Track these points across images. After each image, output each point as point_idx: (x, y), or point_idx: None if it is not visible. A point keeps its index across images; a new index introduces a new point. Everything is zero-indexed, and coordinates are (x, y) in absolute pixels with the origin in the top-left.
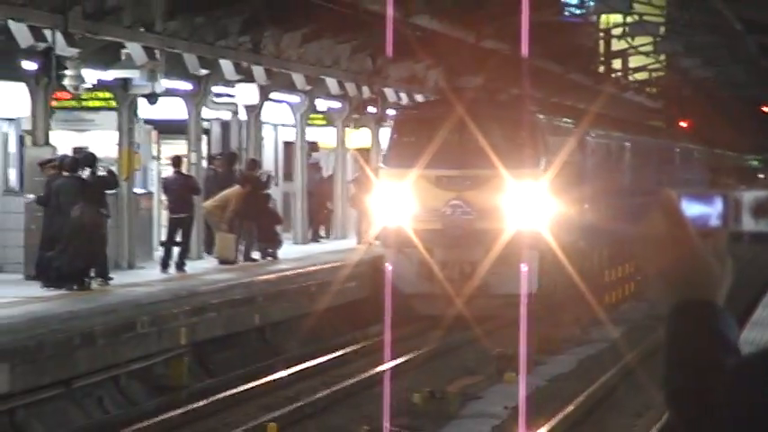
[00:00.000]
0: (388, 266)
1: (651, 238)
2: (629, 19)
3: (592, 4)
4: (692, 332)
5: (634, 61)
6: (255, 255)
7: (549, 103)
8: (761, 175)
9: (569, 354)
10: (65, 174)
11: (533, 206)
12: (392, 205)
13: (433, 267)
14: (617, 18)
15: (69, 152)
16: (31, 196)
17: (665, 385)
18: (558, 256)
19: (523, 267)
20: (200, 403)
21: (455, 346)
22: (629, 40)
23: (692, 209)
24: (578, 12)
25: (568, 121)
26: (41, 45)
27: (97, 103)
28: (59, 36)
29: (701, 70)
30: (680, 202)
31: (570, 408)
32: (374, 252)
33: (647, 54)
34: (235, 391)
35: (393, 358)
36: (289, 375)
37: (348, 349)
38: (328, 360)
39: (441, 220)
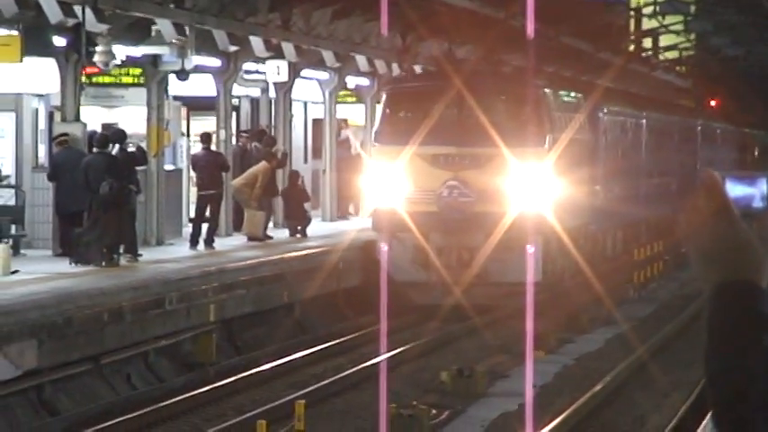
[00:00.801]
0: (382, 252)
1: (694, 219)
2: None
3: None
4: (733, 313)
5: (664, 40)
6: (283, 232)
7: (559, 77)
8: None
9: (597, 333)
10: (94, 150)
11: (537, 188)
12: (385, 186)
13: (428, 253)
14: None
15: (98, 128)
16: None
17: (706, 365)
18: (564, 241)
19: (528, 253)
20: (228, 380)
21: (487, 324)
22: (659, 18)
23: (735, 190)
24: None
25: (578, 96)
26: (71, 21)
27: (127, 80)
28: (89, 12)
29: (731, 49)
30: (723, 183)
31: (599, 387)
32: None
33: (677, 33)
34: (263, 368)
35: (392, 348)
36: (316, 353)
37: (373, 328)
38: (354, 338)
39: (437, 203)
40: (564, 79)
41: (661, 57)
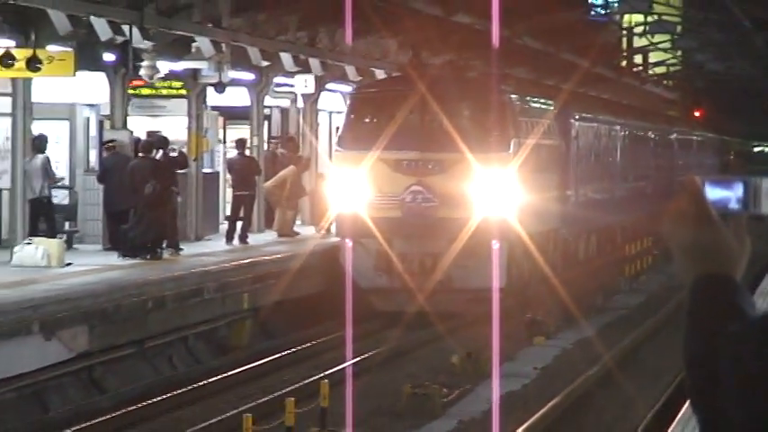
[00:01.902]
0: (346, 257)
1: (677, 218)
2: (649, 18)
3: (616, 4)
4: (709, 303)
5: (653, 57)
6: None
7: (528, 83)
8: None
9: (592, 321)
10: (140, 155)
11: (501, 193)
12: (347, 191)
13: (391, 259)
14: (638, 18)
15: (143, 135)
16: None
17: (683, 352)
18: (529, 247)
19: (492, 259)
20: (258, 363)
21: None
22: (648, 37)
23: (714, 193)
24: (603, 12)
25: (547, 102)
26: (119, 38)
27: (169, 92)
28: (136, 30)
29: (713, 64)
30: (704, 187)
31: (594, 369)
32: (329, 242)
33: (665, 50)
34: (291, 351)
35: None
36: (340, 337)
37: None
38: (376, 324)
39: (400, 208)
40: (534, 85)
41: (650, 71)
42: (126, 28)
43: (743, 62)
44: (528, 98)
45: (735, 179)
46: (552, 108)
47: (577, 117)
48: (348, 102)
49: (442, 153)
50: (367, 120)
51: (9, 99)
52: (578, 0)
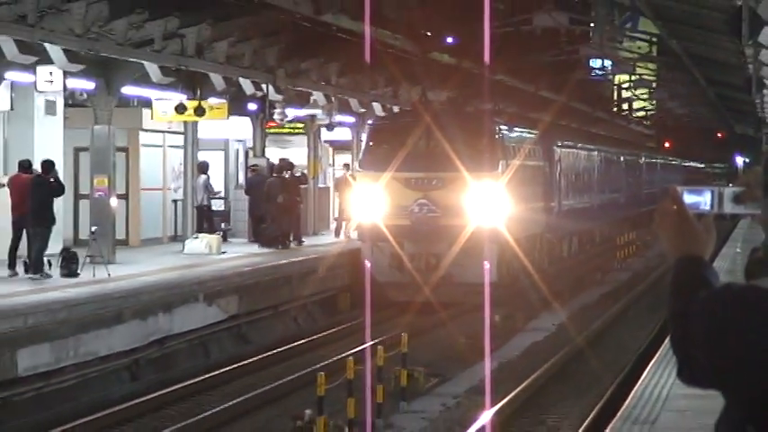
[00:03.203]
0: (366, 258)
1: (663, 216)
2: (633, 77)
3: (609, 67)
4: (686, 277)
5: (636, 104)
6: None
7: (517, 117)
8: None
9: (592, 291)
10: (274, 175)
11: (492, 205)
12: (367, 204)
13: (403, 259)
14: (625, 77)
15: (276, 161)
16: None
17: (668, 311)
18: (515, 249)
19: (484, 258)
20: (356, 322)
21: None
22: (633, 90)
23: (689, 197)
24: (600, 73)
25: (532, 131)
26: (259, 93)
27: (294, 130)
28: (271, 87)
29: (680, 110)
30: (682, 194)
31: (598, 323)
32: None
33: (644, 99)
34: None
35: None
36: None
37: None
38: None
39: (409, 217)
40: (522, 118)
41: (634, 114)
42: (264, 86)
43: (700, 108)
44: (515, 128)
45: (705, 188)
46: (537, 137)
47: (559, 144)
48: (367, 132)
49: (444, 172)
50: (382, 146)
51: (182, 136)
52: (582, 63)
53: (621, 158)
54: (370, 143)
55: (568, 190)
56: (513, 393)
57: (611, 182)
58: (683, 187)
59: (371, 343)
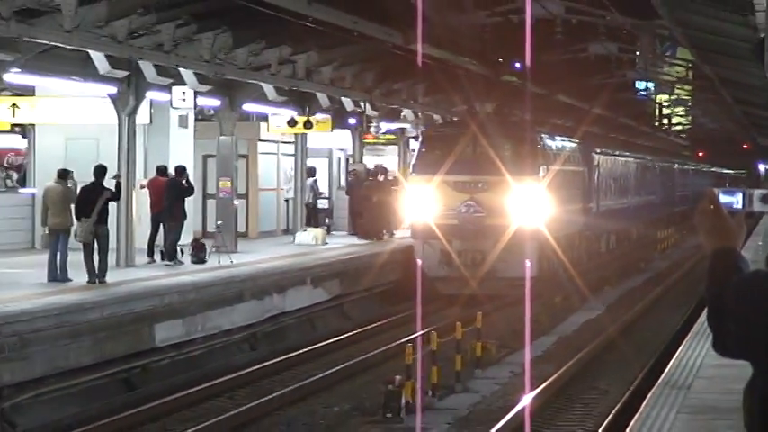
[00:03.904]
0: (417, 254)
1: (702, 213)
2: (672, 97)
3: (652, 88)
4: (721, 265)
5: (675, 120)
6: None
7: (559, 127)
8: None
9: (635, 278)
10: (370, 178)
11: (533, 206)
12: (419, 205)
13: (451, 255)
14: (665, 97)
15: (372, 167)
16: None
17: (706, 293)
18: (554, 246)
19: (526, 255)
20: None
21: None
22: (672, 108)
23: (723, 197)
24: (644, 93)
25: (573, 140)
26: (358, 110)
27: (387, 141)
28: (367, 105)
29: (711, 125)
30: (718, 194)
31: (641, 303)
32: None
33: (681, 116)
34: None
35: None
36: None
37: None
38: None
39: (457, 217)
40: (564, 128)
41: (673, 129)
42: (362, 103)
43: (728, 123)
44: (555, 137)
45: (737, 190)
46: (577, 145)
47: (598, 151)
48: (420, 139)
49: (489, 176)
50: (433, 152)
51: (293, 145)
52: (629, 85)
53: (656, 165)
54: (423, 149)
55: (606, 192)
56: (569, 363)
57: (647, 185)
58: (719, 189)
59: (427, 330)
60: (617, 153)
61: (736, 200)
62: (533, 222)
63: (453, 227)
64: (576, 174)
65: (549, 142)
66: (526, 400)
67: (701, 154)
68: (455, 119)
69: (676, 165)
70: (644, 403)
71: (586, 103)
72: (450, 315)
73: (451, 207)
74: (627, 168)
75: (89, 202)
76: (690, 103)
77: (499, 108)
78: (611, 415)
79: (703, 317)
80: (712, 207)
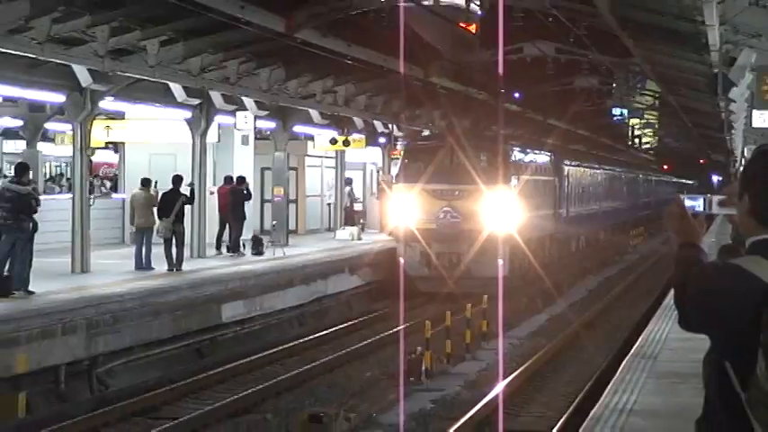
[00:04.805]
0: (399, 256)
1: (671, 215)
2: (642, 121)
3: (626, 114)
4: (685, 257)
5: (644, 139)
6: None
7: (530, 140)
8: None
9: (613, 267)
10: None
11: (505, 213)
12: (402, 211)
13: (431, 257)
14: (637, 120)
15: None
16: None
17: (673, 282)
18: (524, 249)
19: (498, 256)
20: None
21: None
22: (642, 130)
23: (688, 202)
24: (620, 117)
25: (544, 152)
26: (386, 130)
27: None
28: (395, 127)
29: (674, 144)
30: (683, 199)
31: (617, 289)
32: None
33: (650, 136)
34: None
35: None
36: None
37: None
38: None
39: (436, 222)
40: (537, 142)
41: (643, 146)
42: (390, 126)
43: (687, 142)
44: (527, 150)
45: (699, 195)
46: (548, 157)
47: (567, 162)
48: (403, 151)
49: (465, 185)
50: (414, 163)
51: (334, 159)
52: (607, 111)
53: (623, 175)
54: (405, 160)
55: (576, 199)
56: (558, 338)
57: (614, 193)
58: (684, 195)
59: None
60: (585, 165)
61: (699, 204)
62: (505, 227)
63: (432, 231)
64: (548, 183)
65: (520, 155)
66: (500, 388)
67: (665, 167)
68: (435, 132)
69: (641, 175)
70: (619, 369)
71: (571, 125)
72: (459, 300)
73: (430, 213)
74: (594, 178)
75: (169, 204)
76: (657, 126)
77: (475, 124)
78: (591, 380)
79: (669, 299)
80: (679, 209)
